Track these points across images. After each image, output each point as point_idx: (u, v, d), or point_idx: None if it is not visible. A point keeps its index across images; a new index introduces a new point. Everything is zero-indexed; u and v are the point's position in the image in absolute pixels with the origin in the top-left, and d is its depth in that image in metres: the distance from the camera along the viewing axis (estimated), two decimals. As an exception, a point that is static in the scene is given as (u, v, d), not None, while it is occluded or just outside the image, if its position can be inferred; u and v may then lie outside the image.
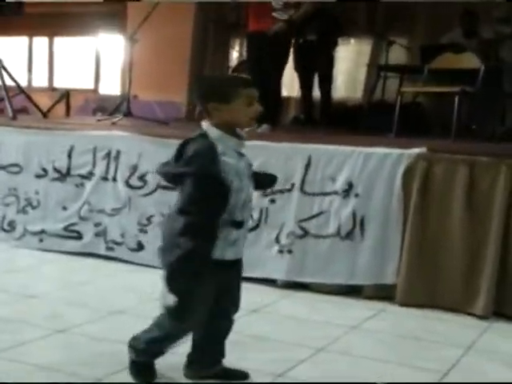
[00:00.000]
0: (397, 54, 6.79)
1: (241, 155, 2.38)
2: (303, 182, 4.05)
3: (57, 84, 9.59)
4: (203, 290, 2.30)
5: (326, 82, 6.71)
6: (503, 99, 5.44)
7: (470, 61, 5.33)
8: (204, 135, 2.32)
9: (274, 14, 5.34)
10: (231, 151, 2.33)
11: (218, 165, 2.25)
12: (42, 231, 4.69)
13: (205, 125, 2.34)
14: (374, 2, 7.12)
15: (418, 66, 5.98)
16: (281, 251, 4.04)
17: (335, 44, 6.81)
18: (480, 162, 3.76)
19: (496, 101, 5.49)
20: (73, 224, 4.62)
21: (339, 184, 3.99)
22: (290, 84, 6.11)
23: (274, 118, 5.47)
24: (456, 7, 6.48)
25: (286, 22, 5.34)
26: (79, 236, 4.60)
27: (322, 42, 6.55)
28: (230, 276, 2.44)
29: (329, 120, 6.53)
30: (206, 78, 2.39)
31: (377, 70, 6.77)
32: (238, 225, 2.34)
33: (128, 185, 4.51)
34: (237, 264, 2.45)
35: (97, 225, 4.55)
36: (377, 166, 3.92)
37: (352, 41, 7.51)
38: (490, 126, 5.50)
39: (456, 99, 4.97)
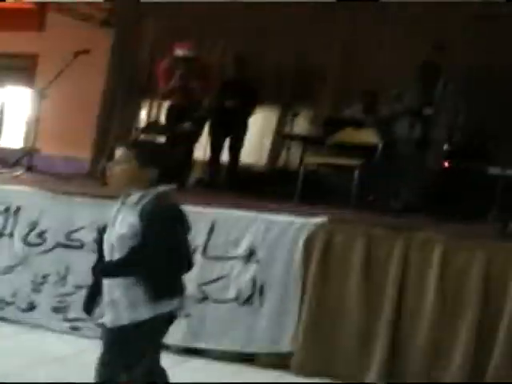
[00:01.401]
0: (302, 125, 7.00)
1: None
2: (206, 245, 4.04)
3: (-45, 135, 9.20)
4: None
5: (237, 148, 6.81)
6: (399, 173, 5.69)
7: (368, 136, 5.58)
8: None
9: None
10: None
11: None
12: None
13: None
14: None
15: (321, 137, 6.19)
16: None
17: (251, 112, 6.95)
18: (377, 233, 3.89)
19: (392, 175, 5.73)
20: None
21: (241, 249, 4.02)
22: (196, 146, 6.23)
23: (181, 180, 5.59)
24: (360, 83, 6.81)
25: (194, 121, 6.07)
26: (-36, 295, 4.35)
27: (238, 110, 6.68)
28: None
29: (234, 184, 6.59)
30: None
31: (282, 138, 6.96)
32: None
33: (25, 242, 4.35)
34: None
35: (-14, 284, 4.34)
36: (279, 234, 3.99)
37: (262, 109, 7.69)
38: (386, 198, 5.72)
39: (356, 172, 5.18)
